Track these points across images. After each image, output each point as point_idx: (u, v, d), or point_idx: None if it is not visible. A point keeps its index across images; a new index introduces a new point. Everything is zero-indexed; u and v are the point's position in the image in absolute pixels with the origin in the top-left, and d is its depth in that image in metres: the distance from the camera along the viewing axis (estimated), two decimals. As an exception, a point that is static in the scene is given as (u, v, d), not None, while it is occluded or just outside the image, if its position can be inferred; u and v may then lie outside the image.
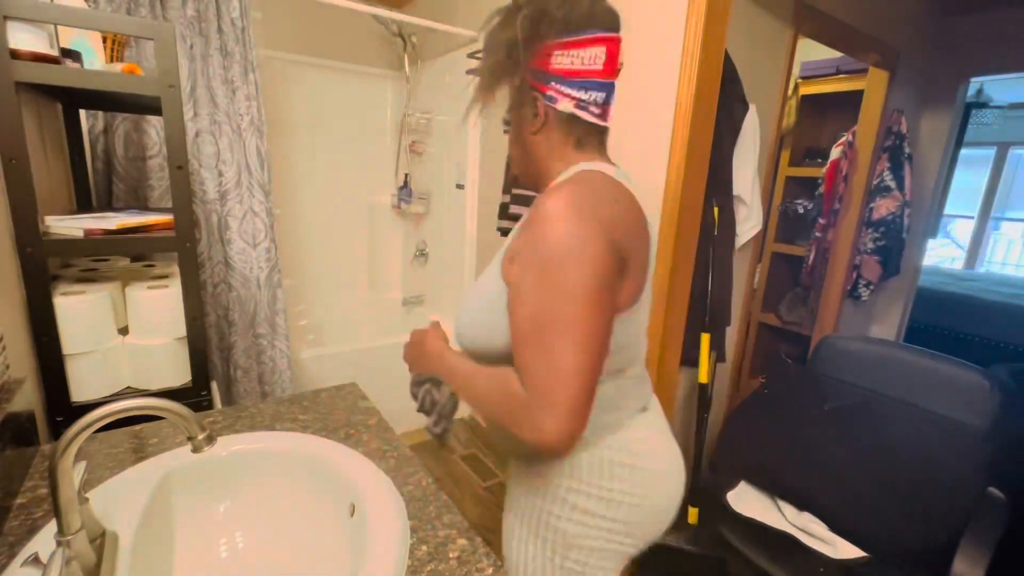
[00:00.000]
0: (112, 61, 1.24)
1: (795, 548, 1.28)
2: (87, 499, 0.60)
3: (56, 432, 1.07)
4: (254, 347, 1.82)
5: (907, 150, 2.53)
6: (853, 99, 2.61)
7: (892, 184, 2.54)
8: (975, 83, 3.06)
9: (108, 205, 1.61)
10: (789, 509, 1.33)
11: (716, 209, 1.62)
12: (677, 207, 1.46)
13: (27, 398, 0.88)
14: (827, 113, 3.07)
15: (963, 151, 3.17)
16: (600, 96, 0.75)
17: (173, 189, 1.12)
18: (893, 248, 2.62)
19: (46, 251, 1.00)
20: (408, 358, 0.90)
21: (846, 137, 2.53)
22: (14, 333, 0.94)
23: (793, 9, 1.82)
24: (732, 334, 2.01)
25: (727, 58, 1.50)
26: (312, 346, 2.38)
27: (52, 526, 0.64)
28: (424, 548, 0.67)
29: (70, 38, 1.12)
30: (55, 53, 1.00)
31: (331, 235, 2.85)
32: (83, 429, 0.52)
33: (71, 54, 1.08)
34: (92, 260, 1.37)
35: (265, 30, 2.46)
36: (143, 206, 1.61)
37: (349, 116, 2.78)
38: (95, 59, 1.16)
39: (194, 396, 1.24)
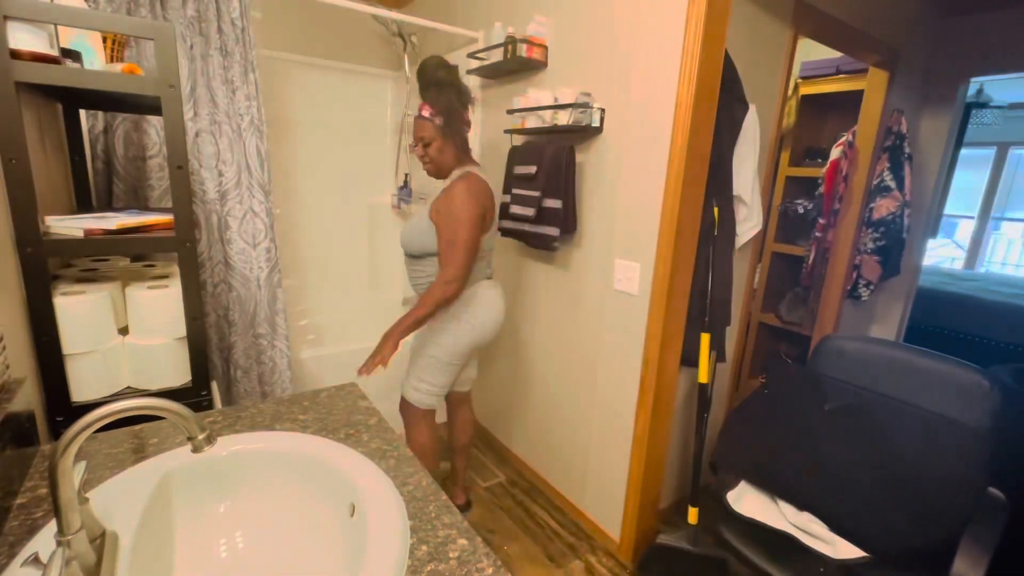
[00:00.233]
0: (112, 61, 1.24)
1: (795, 548, 1.28)
2: (87, 499, 0.60)
3: (56, 432, 1.07)
4: (254, 347, 1.82)
5: (907, 150, 2.53)
6: (853, 99, 2.61)
7: (892, 184, 2.54)
8: (975, 83, 3.07)
9: (108, 205, 1.61)
10: (789, 509, 1.33)
11: (716, 209, 1.62)
12: (677, 207, 1.46)
13: (27, 398, 0.88)
14: (827, 113, 3.07)
15: (963, 151, 3.17)
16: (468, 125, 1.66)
17: (173, 189, 1.12)
18: (893, 248, 2.62)
19: (46, 251, 1.00)
20: (371, 364, 1.52)
21: (846, 137, 2.53)
22: (14, 333, 0.94)
23: (793, 9, 1.82)
24: (732, 334, 2.02)
25: (727, 58, 1.50)
26: (312, 346, 2.38)
27: (52, 526, 0.64)
28: (424, 548, 0.67)
29: (70, 38, 1.12)
30: (55, 53, 1.00)
31: (331, 235, 2.85)
32: (83, 429, 0.52)
33: (71, 54, 1.08)
34: (92, 260, 1.37)
35: (265, 30, 2.46)
36: (143, 206, 1.61)
37: (349, 116, 2.78)
38: (95, 59, 1.16)
39: (194, 396, 1.24)
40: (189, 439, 0.60)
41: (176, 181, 1.12)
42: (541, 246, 1.84)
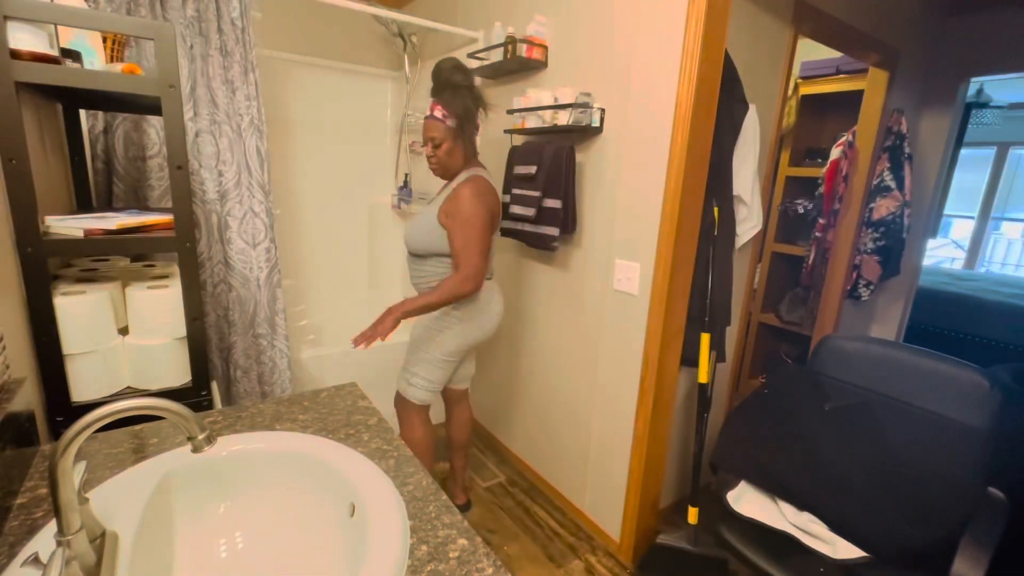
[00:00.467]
0: (112, 61, 1.24)
1: (795, 548, 1.28)
2: (87, 499, 0.60)
3: (56, 432, 1.07)
4: (254, 347, 1.82)
5: (907, 150, 2.53)
6: (853, 99, 2.61)
7: (892, 184, 2.54)
8: (975, 83, 3.07)
9: (108, 205, 1.61)
10: (789, 509, 1.33)
11: (716, 209, 1.62)
12: (677, 207, 1.46)
13: (27, 398, 0.88)
14: (827, 113, 3.07)
15: (963, 151, 3.17)
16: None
17: (173, 189, 1.12)
18: (893, 248, 2.62)
19: (46, 251, 1.00)
20: (367, 335, 1.47)
21: (846, 137, 2.53)
22: (14, 333, 0.94)
23: (793, 9, 1.82)
24: (732, 334, 2.02)
25: (727, 58, 1.50)
26: (312, 346, 2.38)
27: (52, 526, 0.64)
28: (424, 548, 0.67)
29: (70, 38, 1.12)
30: (55, 53, 1.00)
31: (331, 235, 2.85)
32: (83, 429, 0.52)
33: (71, 54, 1.08)
34: (92, 260, 1.37)
35: (265, 30, 2.46)
36: (143, 206, 1.61)
37: (349, 116, 2.78)
38: (95, 59, 1.16)
39: (194, 396, 1.24)
40: (189, 439, 0.60)
41: (176, 181, 1.12)
42: (541, 246, 1.84)
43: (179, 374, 1.23)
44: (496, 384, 2.41)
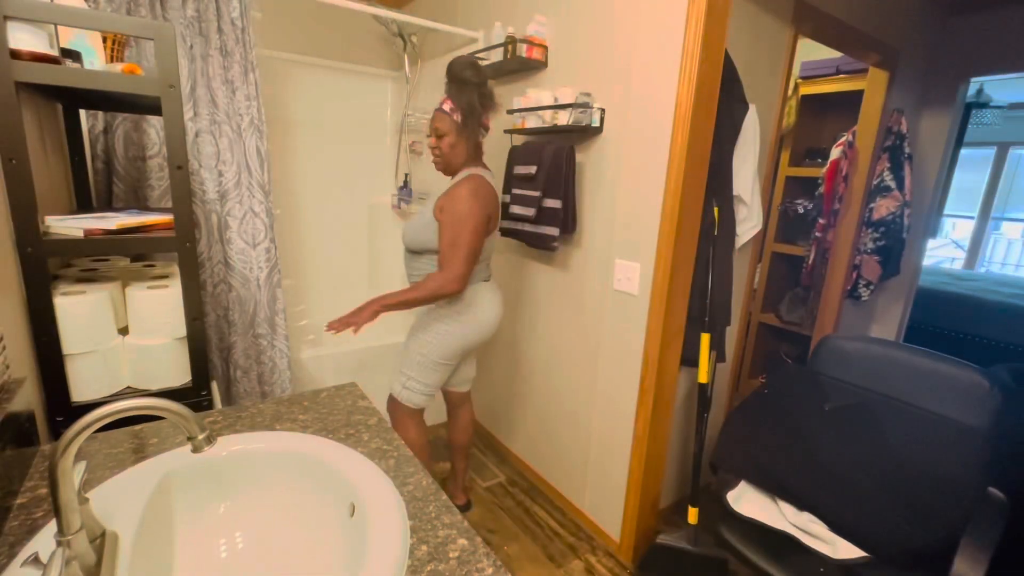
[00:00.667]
0: (112, 61, 1.24)
1: (795, 548, 1.28)
2: (87, 499, 0.60)
3: (56, 432, 1.07)
4: (254, 347, 1.82)
5: (907, 150, 2.53)
6: (853, 99, 2.61)
7: (892, 184, 2.54)
8: (975, 83, 3.06)
9: (108, 205, 1.61)
10: (789, 509, 1.33)
11: (716, 209, 1.62)
12: (677, 207, 1.46)
13: (27, 398, 0.88)
14: (827, 113, 3.07)
15: (963, 151, 3.17)
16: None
17: (173, 189, 1.12)
18: (893, 248, 2.62)
19: (46, 251, 1.00)
20: (344, 321, 1.52)
21: (846, 137, 2.53)
22: (14, 333, 0.94)
23: (793, 9, 1.82)
24: (732, 334, 2.02)
25: (727, 58, 1.50)
26: (312, 346, 2.38)
27: (52, 526, 0.64)
28: (424, 548, 0.67)
29: (70, 38, 1.12)
30: (55, 53, 1.00)
31: (331, 235, 2.85)
32: (83, 429, 0.52)
33: (71, 54, 1.08)
34: (92, 260, 1.37)
35: (265, 30, 2.45)
36: (143, 206, 1.61)
37: (349, 116, 2.78)
38: (95, 59, 1.16)
39: (194, 396, 1.24)
40: (189, 439, 0.60)
41: (176, 181, 1.12)
42: (541, 246, 1.84)
43: (179, 374, 1.23)
44: (496, 384, 2.41)
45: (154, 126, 1.58)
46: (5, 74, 0.90)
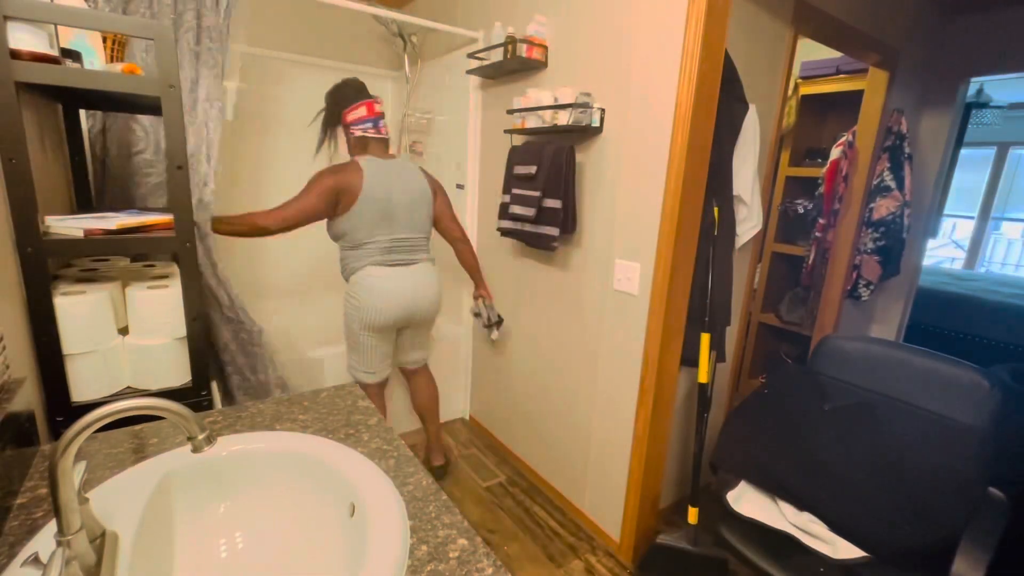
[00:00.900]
0: (112, 61, 1.24)
1: (795, 548, 1.28)
2: (87, 499, 0.60)
3: (56, 432, 1.07)
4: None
5: (907, 150, 2.53)
6: (853, 99, 2.61)
7: (892, 184, 2.54)
8: (975, 83, 3.07)
9: (108, 205, 1.61)
10: (789, 509, 1.33)
11: (716, 209, 1.62)
12: (677, 207, 1.46)
13: (27, 398, 0.88)
14: (827, 113, 3.07)
15: (963, 151, 3.17)
16: (369, 125, 1.80)
17: (173, 189, 1.12)
18: (893, 248, 2.62)
19: (46, 251, 1.00)
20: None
21: (846, 137, 2.53)
22: (14, 333, 0.94)
23: (793, 9, 1.82)
24: (732, 334, 2.02)
25: (727, 58, 1.50)
26: (313, 346, 2.38)
27: (52, 526, 0.64)
28: (424, 548, 0.67)
29: (70, 38, 1.12)
30: (55, 53, 1.00)
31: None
32: (83, 429, 0.52)
33: (71, 54, 1.08)
34: (92, 260, 1.37)
35: (265, 30, 2.46)
36: (143, 206, 1.61)
37: (349, 116, 2.77)
38: (95, 59, 1.16)
39: (194, 396, 1.24)
40: (189, 439, 0.60)
41: (176, 181, 1.12)
42: (541, 246, 1.84)
43: (179, 374, 1.23)
44: (496, 384, 2.41)
45: (139, 123, 1.56)
46: (5, 74, 0.90)
